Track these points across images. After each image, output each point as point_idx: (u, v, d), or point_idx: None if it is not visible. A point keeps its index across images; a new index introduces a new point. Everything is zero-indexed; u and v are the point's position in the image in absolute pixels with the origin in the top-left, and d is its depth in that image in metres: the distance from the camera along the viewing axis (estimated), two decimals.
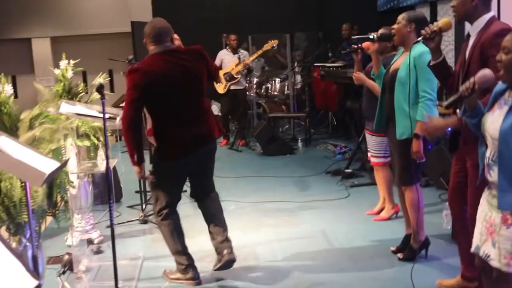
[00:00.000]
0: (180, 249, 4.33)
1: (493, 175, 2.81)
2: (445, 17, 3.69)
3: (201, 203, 4.55)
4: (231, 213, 6.04)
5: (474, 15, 3.55)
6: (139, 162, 4.15)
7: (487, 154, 2.85)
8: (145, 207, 5.89)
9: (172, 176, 4.28)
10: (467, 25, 3.71)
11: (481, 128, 2.91)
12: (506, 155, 2.70)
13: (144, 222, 5.73)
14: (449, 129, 3.72)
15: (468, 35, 3.65)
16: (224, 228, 4.49)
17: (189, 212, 5.53)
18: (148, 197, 6.03)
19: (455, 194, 3.88)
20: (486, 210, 2.90)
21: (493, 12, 3.58)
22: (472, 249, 3.00)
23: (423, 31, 3.54)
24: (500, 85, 2.88)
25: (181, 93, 4.15)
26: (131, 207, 6.29)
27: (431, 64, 3.70)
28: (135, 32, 10.78)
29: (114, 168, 5.78)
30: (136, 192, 6.24)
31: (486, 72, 2.87)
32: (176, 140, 4.16)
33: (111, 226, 3.95)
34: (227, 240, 4.45)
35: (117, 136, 8.62)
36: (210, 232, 4.49)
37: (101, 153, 4.75)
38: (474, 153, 3.45)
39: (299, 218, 5.87)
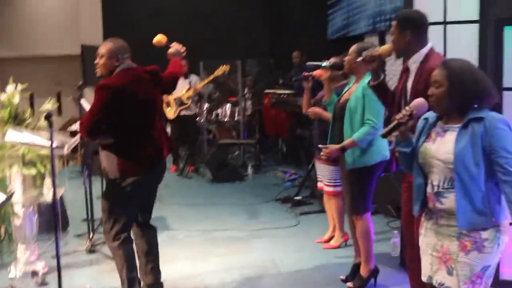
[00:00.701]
0: (134, 277, 4.23)
1: (445, 202, 2.88)
2: (388, 44, 3.83)
3: (143, 234, 4.41)
4: (180, 242, 5.99)
5: (410, 50, 3.69)
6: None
7: (435, 182, 2.92)
8: (93, 236, 5.76)
9: (133, 194, 4.18)
10: None
11: (419, 158, 2.99)
12: (464, 175, 2.78)
13: (92, 251, 5.60)
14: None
15: (407, 68, 3.76)
16: (159, 270, 4.46)
17: None
18: (95, 226, 5.91)
19: (407, 221, 3.93)
20: (435, 240, 2.96)
21: (430, 44, 3.71)
22: (424, 279, 3.05)
23: (364, 53, 3.73)
24: (431, 118, 3.02)
25: (145, 110, 4.20)
26: (78, 236, 6.14)
27: (369, 84, 3.89)
28: (85, 55, 10.64)
29: (61, 196, 5.65)
30: (83, 220, 6.11)
31: (421, 99, 3.01)
32: (139, 155, 4.13)
33: (57, 257, 3.84)
34: (162, 284, 4.44)
35: (64, 162, 8.44)
36: (149, 269, 4.37)
37: (47, 181, 4.63)
38: None
39: (248, 246, 5.85)
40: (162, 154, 4.32)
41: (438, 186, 2.91)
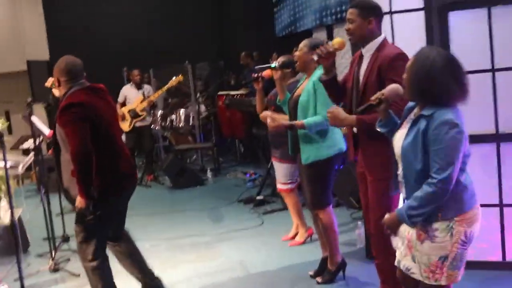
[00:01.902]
0: None
1: (404, 191, 2.93)
2: (338, 37, 3.84)
3: (121, 245, 4.34)
4: (147, 252, 5.87)
5: (369, 37, 3.72)
6: (92, 197, 3.86)
7: (399, 171, 2.96)
8: (55, 254, 5.64)
9: (113, 213, 4.12)
10: None
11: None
12: (409, 171, 2.83)
13: (55, 270, 5.47)
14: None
15: (361, 56, 3.79)
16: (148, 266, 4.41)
17: None
18: (57, 244, 5.79)
19: (367, 211, 3.96)
20: (404, 226, 2.97)
21: (384, 35, 3.75)
22: (396, 263, 3.09)
23: (318, 50, 3.67)
24: (410, 103, 3.03)
25: (112, 128, 4.11)
26: (40, 256, 5.99)
27: (322, 79, 3.87)
28: (31, 71, 10.45)
29: (19, 216, 5.52)
30: (44, 239, 5.98)
31: (395, 85, 3.04)
32: (115, 175, 4.02)
33: (20, 279, 3.75)
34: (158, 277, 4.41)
35: (19, 181, 8.25)
36: (144, 273, 4.35)
37: (3, 203, 4.52)
38: (374, 168, 3.57)
39: (215, 251, 5.82)
40: (135, 170, 4.26)
41: (400, 176, 2.95)
